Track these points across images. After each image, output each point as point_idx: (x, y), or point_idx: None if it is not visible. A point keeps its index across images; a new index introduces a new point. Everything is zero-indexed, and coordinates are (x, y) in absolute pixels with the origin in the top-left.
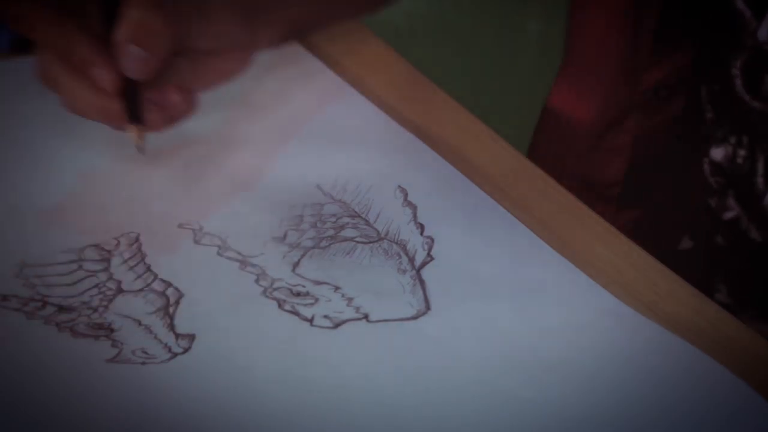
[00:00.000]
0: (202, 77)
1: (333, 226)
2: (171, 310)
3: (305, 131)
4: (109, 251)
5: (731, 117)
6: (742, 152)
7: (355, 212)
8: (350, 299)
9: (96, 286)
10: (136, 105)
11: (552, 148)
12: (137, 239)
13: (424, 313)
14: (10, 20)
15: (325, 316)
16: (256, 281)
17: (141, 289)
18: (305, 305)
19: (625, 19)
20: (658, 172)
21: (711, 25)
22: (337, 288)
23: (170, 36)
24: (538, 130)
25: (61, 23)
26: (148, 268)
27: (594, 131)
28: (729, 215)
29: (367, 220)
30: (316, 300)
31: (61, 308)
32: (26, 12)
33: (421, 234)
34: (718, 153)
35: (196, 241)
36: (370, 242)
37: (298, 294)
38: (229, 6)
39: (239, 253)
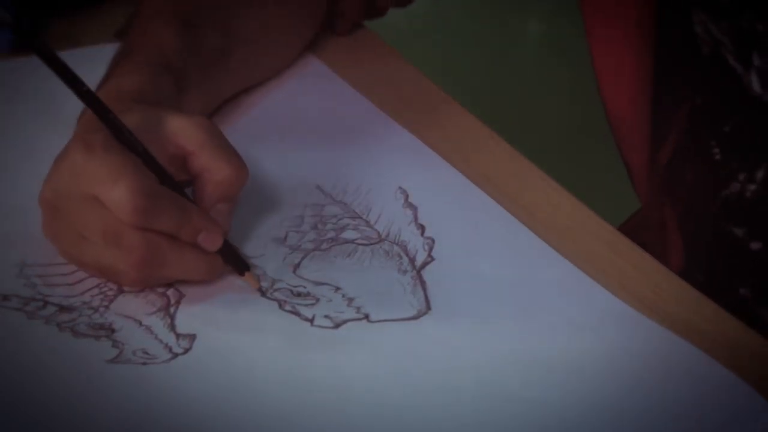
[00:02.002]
0: None
1: (334, 228)
2: (172, 310)
3: (306, 132)
4: None
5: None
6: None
7: (356, 213)
8: (351, 299)
9: (97, 286)
10: (237, 255)
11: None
12: None
13: (424, 314)
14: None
15: (326, 316)
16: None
17: (142, 289)
18: (306, 305)
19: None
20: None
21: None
22: (337, 288)
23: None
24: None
25: (181, 204)
26: None
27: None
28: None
29: (367, 222)
30: (317, 300)
31: (62, 308)
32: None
33: (422, 235)
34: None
35: None
36: (371, 243)
37: (299, 294)
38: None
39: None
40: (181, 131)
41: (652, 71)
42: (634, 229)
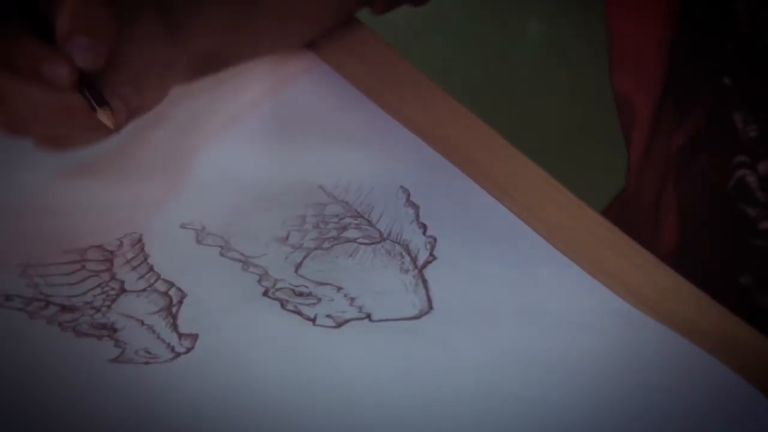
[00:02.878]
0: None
1: (336, 227)
2: (174, 310)
3: (308, 132)
4: (111, 252)
5: None
6: None
7: (358, 212)
8: (353, 299)
9: (99, 286)
10: (98, 92)
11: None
12: (140, 240)
13: (426, 313)
14: None
15: (328, 316)
16: (259, 281)
17: (144, 289)
18: (308, 305)
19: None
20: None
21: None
22: (339, 288)
23: (112, 23)
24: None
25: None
26: (151, 268)
27: (645, 203)
28: None
29: (369, 221)
30: (319, 300)
31: (64, 308)
32: None
33: (424, 234)
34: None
35: (199, 242)
36: (373, 243)
37: (301, 294)
38: (154, 15)
39: (242, 254)
40: None
41: (671, 47)
42: (620, 209)
